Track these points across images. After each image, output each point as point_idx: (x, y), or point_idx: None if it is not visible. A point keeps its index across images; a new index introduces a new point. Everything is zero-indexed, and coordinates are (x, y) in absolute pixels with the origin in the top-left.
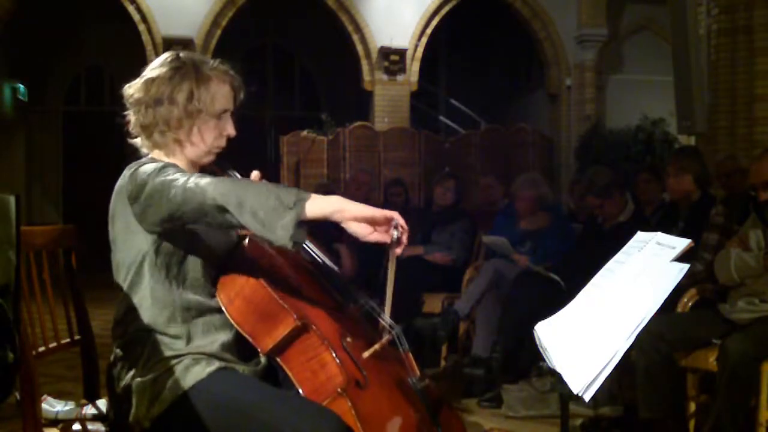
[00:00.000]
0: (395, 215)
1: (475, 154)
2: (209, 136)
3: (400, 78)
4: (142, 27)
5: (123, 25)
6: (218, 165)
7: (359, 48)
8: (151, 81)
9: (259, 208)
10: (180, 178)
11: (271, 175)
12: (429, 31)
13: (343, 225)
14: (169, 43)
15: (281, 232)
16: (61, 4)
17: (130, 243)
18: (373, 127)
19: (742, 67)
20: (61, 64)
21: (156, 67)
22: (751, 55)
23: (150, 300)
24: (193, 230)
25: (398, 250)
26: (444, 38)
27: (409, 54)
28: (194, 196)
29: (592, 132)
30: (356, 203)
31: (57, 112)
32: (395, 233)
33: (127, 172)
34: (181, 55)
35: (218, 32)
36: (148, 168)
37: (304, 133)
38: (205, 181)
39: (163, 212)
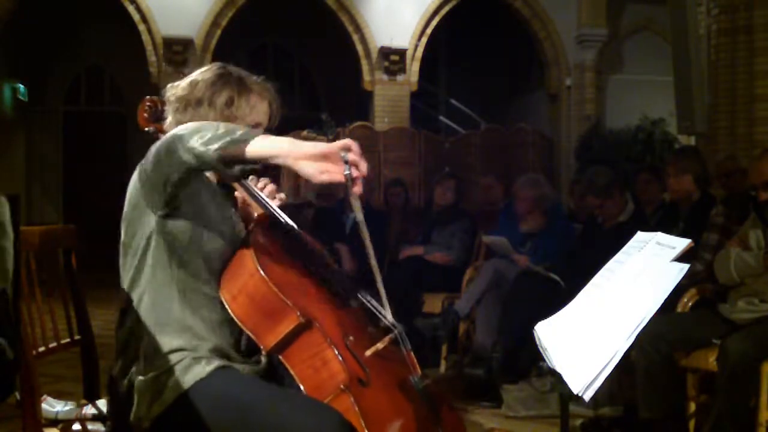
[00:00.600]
0: (348, 142)
1: (475, 154)
2: None
3: (400, 78)
4: (142, 27)
5: (123, 25)
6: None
7: (359, 48)
8: (195, 83)
9: (206, 133)
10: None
11: (271, 175)
12: (429, 31)
13: (295, 168)
14: (169, 43)
15: (213, 153)
16: (61, 4)
17: (137, 223)
18: (373, 127)
19: (742, 67)
20: (61, 64)
21: (202, 71)
22: (751, 55)
23: (152, 294)
24: (197, 220)
25: (356, 189)
26: (444, 38)
27: (409, 54)
28: (168, 138)
29: (592, 132)
30: (307, 143)
31: (57, 112)
32: (346, 169)
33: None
34: (228, 66)
35: (218, 32)
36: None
37: (304, 133)
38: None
39: (157, 171)
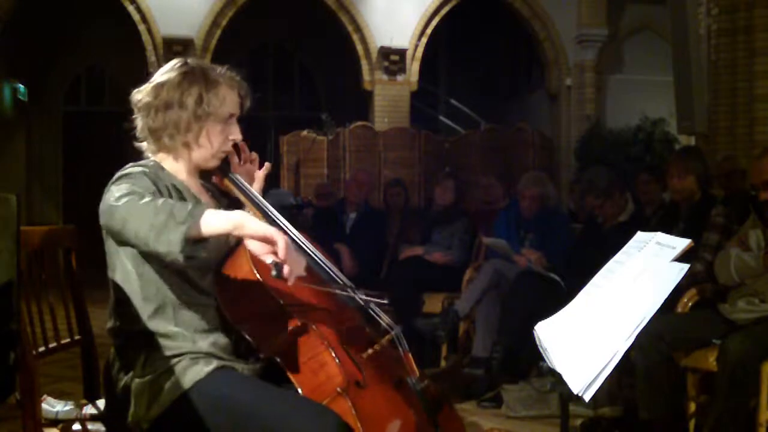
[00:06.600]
0: (277, 238)
1: (475, 154)
2: (216, 140)
3: (400, 78)
4: (142, 27)
5: (123, 25)
6: (220, 170)
7: (359, 48)
8: (160, 85)
9: (148, 226)
10: (122, 198)
11: (271, 175)
12: (429, 31)
13: (246, 241)
14: (169, 43)
15: (168, 247)
16: (61, 4)
17: (112, 246)
18: (373, 127)
19: (742, 67)
20: (61, 64)
21: (165, 72)
22: (751, 55)
23: (142, 296)
24: None
25: (288, 281)
26: (444, 38)
27: (409, 54)
28: (110, 214)
29: (592, 132)
30: (258, 222)
31: (57, 112)
32: (274, 272)
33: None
34: (189, 61)
35: (218, 32)
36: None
37: (304, 133)
38: (123, 200)
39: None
